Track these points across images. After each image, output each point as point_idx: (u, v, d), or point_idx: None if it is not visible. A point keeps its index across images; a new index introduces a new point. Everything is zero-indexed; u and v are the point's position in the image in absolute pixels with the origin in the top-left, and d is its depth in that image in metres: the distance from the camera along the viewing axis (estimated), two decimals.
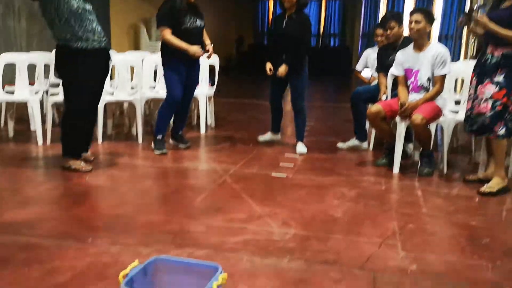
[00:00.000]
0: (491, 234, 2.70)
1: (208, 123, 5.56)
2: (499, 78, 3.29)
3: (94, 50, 3.52)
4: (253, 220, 2.80)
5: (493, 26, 3.20)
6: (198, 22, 4.27)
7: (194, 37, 4.23)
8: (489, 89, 3.33)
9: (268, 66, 4.50)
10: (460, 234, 2.69)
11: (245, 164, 4.05)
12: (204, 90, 5.34)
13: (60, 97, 4.70)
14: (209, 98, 5.53)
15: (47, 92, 5.13)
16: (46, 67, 5.25)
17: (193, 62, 4.33)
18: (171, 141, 4.60)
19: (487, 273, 2.23)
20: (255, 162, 4.14)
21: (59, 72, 3.69)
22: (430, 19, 3.82)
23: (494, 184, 3.37)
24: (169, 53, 4.22)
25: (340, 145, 4.74)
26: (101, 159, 4.14)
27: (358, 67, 5.52)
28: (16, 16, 6.37)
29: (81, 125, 3.70)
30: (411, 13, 3.89)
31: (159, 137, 4.35)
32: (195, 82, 4.49)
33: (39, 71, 5.10)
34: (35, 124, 4.60)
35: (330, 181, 3.63)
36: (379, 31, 4.92)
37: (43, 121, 4.69)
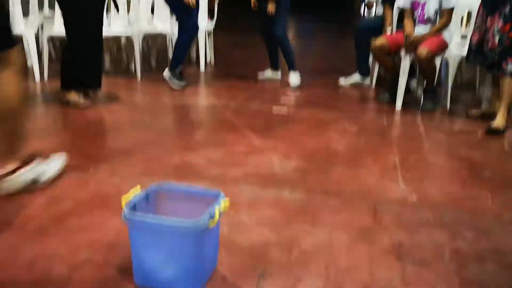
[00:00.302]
0: (492, 167, 2.71)
1: (208, 59, 5.45)
2: (506, 10, 3.17)
3: None
4: (253, 153, 2.79)
5: None
6: None
7: None
8: (497, 22, 3.22)
9: (253, 0, 4.52)
10: (461, 167, 2.69)
11: (245, 100, 4.00)
12: (203, 25, 5.18)
13: (56, 30, 4.57)
14: (209, 33, 5.38)
15: (42, 25, 4.98)
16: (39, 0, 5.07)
17: None
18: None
19: (487, 203, 2.25)
20: (255, 98, 4.09)
21: (59, 2, 3.55)
22: None
23: (500, 123, 3.28)
24: None
25: (342, 81, 4.66)
26: (100, 94, 4.08)
27: None
28: None
29: (82, 56, 3.57)
30: None
31: (178, 70, 4.27)
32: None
33: (34, 3, 4.91)
34: (31, 59, 4.50)
35: (331, 116, 3.60)
36: None
37: (40, 56, 4.58)
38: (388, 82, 4.17)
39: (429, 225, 2.02)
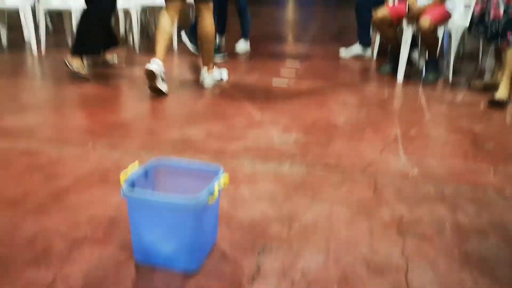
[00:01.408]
0: (494, 140, 2.68)
1: None
2: None
3: None
4: (253, 126, 2.77)
5: None
6: None
7: None
8: None
9: None
10: (463, 139, 2.67)
11: (245, 72, 3.95)
12: None
13: (53, 4, 4.49)
14: None
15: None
16: None
17: None
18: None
19: (489, 177, 2.23)
20: (256, 70, 4.04)
21: None
22: None
23: (502, 94, 3.24)
24: None
25: (343, 53, 4.60)
26: (98, 68, 4.04)
27: None
28: None
29: (98, 26, 3.67)
30: None
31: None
32: None
33: None
34: (29, 32, 4.43)
35: (332, 88, 3.56)
36: None
37: (37, 30, 4.51)
38: (389, 54, 4.11)
39: (430, 199, 2.01)
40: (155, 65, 3.18)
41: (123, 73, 3.89)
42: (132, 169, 1.56)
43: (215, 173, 1.57)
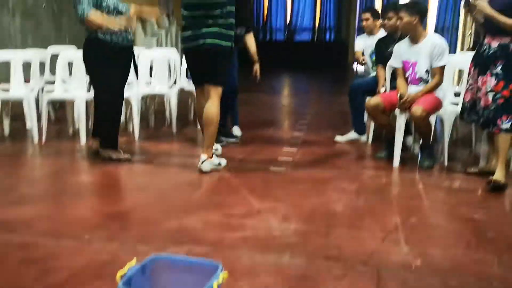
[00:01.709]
0: (495, 228, 2.66)
1: None
2: (497, 69, 3.24)
3: (123, 47, 3.72)
4: (252, 215, 2.75)
5: (490, 11, 3.15)
6: (239, 30, 4.30)
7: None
8: (490, 82, 3.28)
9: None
10: (464, 228, 2.65)
11: (243, 158, 4.00)
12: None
13: (55, 95, 4.64)
14: None
15: (42, 89, 5.06)
16: (42, 64, 5.18)
17: None
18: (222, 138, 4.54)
19: (494, 268, 2.18)
20: (253, 156, 4.09)
21: (87, 65, 3.82)
22: (413, 11, 3.75)
23: (500, 177, 3.26)
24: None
25: (338, 138, 4.69)
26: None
27: (358, 48, 5.35)
28: (10, 13, 6.28)
29: (114, 116, 3.82)
30: (396, 10, 3.87)
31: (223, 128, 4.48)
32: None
33: (35, 68, 5.01)
34: (31, 121, 4.53)
35: (329, 175, 3.58)
36: (365, 15, 4.92)
37: (39, 119, 4.61)
38: (384, 140, 4.19)
39: None
40: (206, 164, 3.52)
41: (121, 163, 3.91)
42: (129, 267, 1.53)
43: (214, 270, 1.54)
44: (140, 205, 2.93)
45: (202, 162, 3.52)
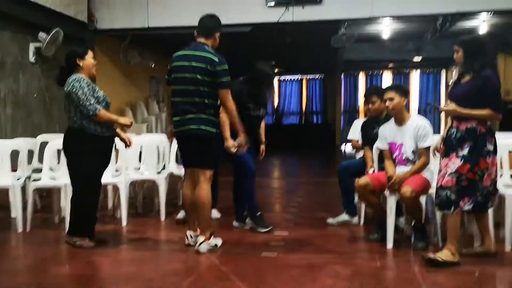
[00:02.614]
0: None
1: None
2: (464, 151, 3.28)
3: (105, 137, 3.80)
4: None
5: (460, 110, 3.27)
6: (261, 111, 4.46)
7: (254, 125, 4.43)
8: (454, 163, 3.29)
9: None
10: None
11: (233, 243, 3.89)
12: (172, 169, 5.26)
13: (42, 183, 4.59)
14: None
15: (29, 177, 5.00)
16: (30, 152, 5.17)
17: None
18: (235, 223, 4.48)
19: None
20: (244, 240, 3.99)
21: (66, 153, 3.87)
22: (402, 92, 3.89)
23: (443, 255, 3.26)
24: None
25: (330, 221, 4.62)
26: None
27: (354, 136, 5.40)
28: (1, 103, 6.39)
29: (91, 205, 3.81)
30: (383, 92, 3.99)
31: (259, 213, 4.34)
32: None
33: (22, 157, 4.99)
34: (16, 210, 4.44)
35: (322, 259, 3.49)
36: (373, 97, 4.96)
37: (25, 207, 4.52)
38: (375, 222, 4.13)
39: None
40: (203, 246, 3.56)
41: (107, 248, 3.79)
42: None
43: None
44: None
45: (200, 244, 3.55)
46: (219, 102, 3.67)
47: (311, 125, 16.74)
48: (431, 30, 10.00)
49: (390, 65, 14.71)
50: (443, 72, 15.23)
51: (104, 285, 3.00)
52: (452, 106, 3.30)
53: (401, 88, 3.96)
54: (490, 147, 3.28)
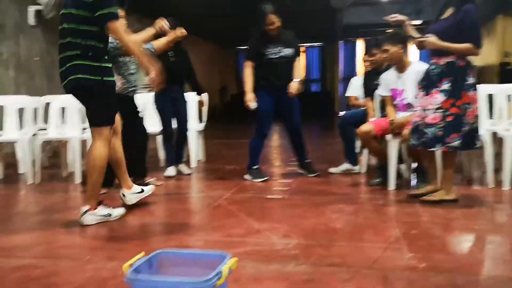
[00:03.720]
0: (497, 236, 2.67)
1: (198, 157, 5.52)
2: (445, 86, 3.26)
3: (128, 96, 3.89)
4: (252, 234, 2.73)
5: (440, 43, 3.23)
6: (284, 52, 4.31)
7: (280, 68, 4.31)
8: (437, 99, 3.28)
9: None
10: (465, 237, 2.66)
11: (239, 190, 3.99)
12: (194, 125, 5.35)
13: (49, 136, 4.66)
14: (199, 133, 5.52)
15: (35, 135, 5.07)
16: (35, 113, 5.22)
17: (281, 92, 4.34)
18: (300, 170, 4.60)
19: (500, 268, 2.18)
20: (249, 187, 4.09)
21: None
22: (397, 41, 3.90)
23: (438, 195, 3.36)
24: (259, 86, 4.34)
25: (332, 170, 4.72)
26: None
27: (351, 93, 5.46)
28: (4, 66, 6.40)
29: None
30: (379, 46, 4.02)
31: (256, 166, 4.44)
32: (294, 108, 4.54)
33: (28, 113, 5.05)
34: (25, 164, 4.52)
35: (326, 199, 3.59)
36: (365, 57, 5.05)
37: (33, 163, 4.60)
38: (377, 168, 4.23)
39: None
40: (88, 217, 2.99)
41: (116, 194, 3.88)
42: (137, 259, 1.51)
43: (222, 259, 1.53)
44: (138, 230, 2.90)
45: (83, 213, 2.97)
46: (110, 45, 3.15)
47: (310, 94, 16.77)
48: None
49: (389, 30, 14.60)
50: None
51: (113, 222, 3.07)
52: (432, 38, 3.27)
53: (396, 37, 3.95)
54: (471, 80, 3.25)
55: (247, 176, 4.44)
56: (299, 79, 4.44)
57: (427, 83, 3.38)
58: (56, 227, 3.00)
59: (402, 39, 3.96)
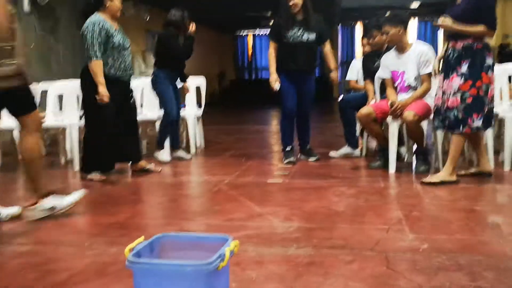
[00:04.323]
0: (497, 216, 2.66)
1: (198, 143, 5.50)
2: (463, 69, 3.28)
3: (115, 78, 3.80)
4: (253, 218, 2.71)
5: (456, 27, 3.25)
6: (306, 36, 4.23)
7: (299, 52, 4.23)
8: (456, 82, 3.30)
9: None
10: (466, 217, 2.64)
11: (239, 174, 3.97)
12: (192, 111, 5.31)
13: (47, 122, 4.60)
14: (197, 119, 5.48)
15: None
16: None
17: (299, 77, 4.32)
18: (302, 156, 4.59)
19: (501, 247, 2.17)
20: (249, 172, 4.07)
21: (81, 91, 3.91)
22: (397, 22, 3.86)
23: (440, 177, 3.35)
24: (278, 68, 4.30)
25: (332, 153, 4.70)
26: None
27: (352, 76, 5.44)
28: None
29: (98, 142, 3.81)
30: (379, 28, 3.99)
31: (289, 148, 4.43)
32: (307, 95, 4.47)
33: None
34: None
35: (327, 183, 3.57)
36: (364, 40, 4.99)
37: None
38: (377, 151, 4.21)
39: (446, 268, 1.93)
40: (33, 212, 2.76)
41: (119, 178, 3.87)
42: (138, 243, 1.49)
43: (224, 242, 1.51)
44: (139, 215, 2.89)
45: (24, 209, 2.80)
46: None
47: None
48: None
49: (388, 13, 14.49)
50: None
51: (115, 206, 3.05)
52: (448, 21, 3.29)
53: (395, 18, 3.91)
54: (489, 61, 3.28)
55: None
56: (334, 68, 4.45)
57: (447, 67, 3.40)
58: (55, 214, 2.98)
59: (402, 20, 3.92)
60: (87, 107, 3.88)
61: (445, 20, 3.31)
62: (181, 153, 4.76)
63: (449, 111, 3.35)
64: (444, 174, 3.38)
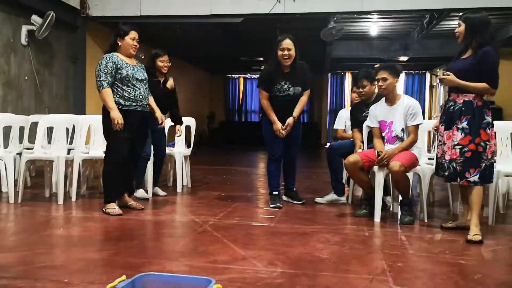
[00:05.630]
0: (481, 271, 2.66)
1: (184, 183, 5.48)
2: (463, 124, 3.37)
3: (130, 110, 3.98)
4: (237, 261, 2.69)
5: (458, 82, 3.35)
6: (292, 90, 4.39)
7: (285, 104, 4.39)
8: (456, 136, 3.39)
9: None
10: (450, 271, 2.64)
11: (224, 216, 3.96)
12: (180, 150, 5.33)
13: (35, 154, 4.61)
14: (185, 158, 5.49)
15: (20, 154, 5.00)
16: (21, 132, 5.16)
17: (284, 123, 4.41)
18: (284, 197, 4.66)
19: None
20: (234, 214, 4.05)
21: (102, 125, 4.09)
22: (395, 72, 4.00)
23: (475, 232, 3.29)
24: (264, 113, 4.45)
25: (318, 199, 4.71)
26: (74, 213, 3.99)
27: (339, 125, 5.50)
28: None
29: (116, 174, 4.00)
30: (376, 72, 4.09)
31: (275, 192, 4.47)
32: (294, 140, 4.58)
33: (14, 131, 4.99)
34: (8, 183, 4.43)
35: (312, 229, 3.57)
36: (363, 81, 5.05)
37: (16, 183, 4.53)
38: (363, 200, 4.23)
39: None
40: None
41: (100, 216, 3.81)
42: (119, 281, 1.47)
43: (206, 285, 1.50)
44: (120, 253, 2.84)
45: None
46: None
47: None
48: (417, 28, 10.19)
49: (377, 64, 14.87)
50: (428, 75, 15.52)
51: (96, 244, 3.02)
52: (451, 76, 3.39)
53: (394, 68, 4.06)
54: (488, 118, 3.37)
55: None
56: (296, 115, 4.47)
57: (447, 119, 3.49)
58: (36, 248, 2.93)
59: (397, 72, 4.05)
60: (106, 138, 4.08)
61: (448, 76, 3.40)
62: (157, 190, 4.90)
63: (448, 162, 3.42)
64: (475, 229, 3.30)
